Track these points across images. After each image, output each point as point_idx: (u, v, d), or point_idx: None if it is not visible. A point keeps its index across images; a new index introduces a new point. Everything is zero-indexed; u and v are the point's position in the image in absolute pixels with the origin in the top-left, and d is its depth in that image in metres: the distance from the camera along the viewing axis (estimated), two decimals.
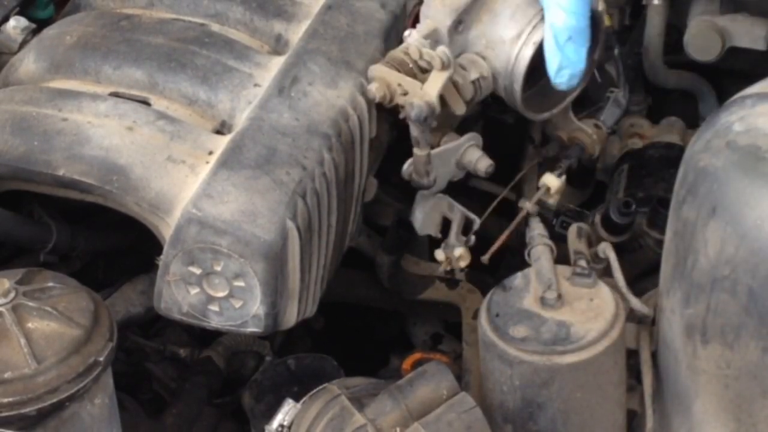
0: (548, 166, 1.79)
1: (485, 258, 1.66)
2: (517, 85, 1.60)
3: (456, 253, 1.67)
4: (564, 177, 1.71)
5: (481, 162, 1.63)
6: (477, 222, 1.66)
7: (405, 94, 1.54)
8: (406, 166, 1.60)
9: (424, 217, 1.67)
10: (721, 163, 1.28)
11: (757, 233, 1.23)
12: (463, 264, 1.68)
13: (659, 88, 2.03)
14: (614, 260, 1.50)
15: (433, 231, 1.69)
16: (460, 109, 1.59)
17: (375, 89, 1.54)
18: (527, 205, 1.69)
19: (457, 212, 1.67)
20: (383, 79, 1.54)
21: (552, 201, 1.72)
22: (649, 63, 1.96)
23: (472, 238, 1.67)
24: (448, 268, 1.70)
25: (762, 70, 1.48)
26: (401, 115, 1.57)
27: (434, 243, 2.07)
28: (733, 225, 1.25)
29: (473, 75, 1.59)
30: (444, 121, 1.61)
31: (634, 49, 1.98)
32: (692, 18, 1.88)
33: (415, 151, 1.57)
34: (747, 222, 1.24)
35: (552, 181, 1.70)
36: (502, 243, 1.67)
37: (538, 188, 1.72)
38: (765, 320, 1.26)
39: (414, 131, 1.54)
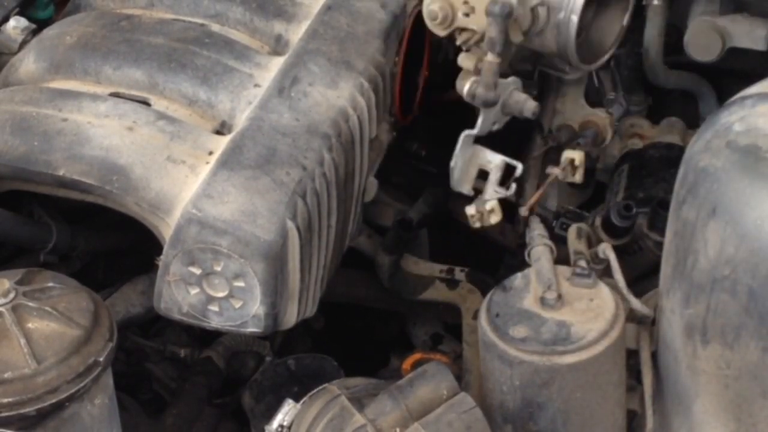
0: (555, 158, 1.77)
1: (524, 210, 1.61)
2: (575, 16, 1.57)
3: (488, 207, 1.61)
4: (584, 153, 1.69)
5: (528, 103, 1.59)
6: (519, 167, 1.61)
7: (468, 14, 1.51)
8: (469, 85, 1.55)
9: (461, 168, 1.61)
10: (721, 164, 1.28)
11: (757, 233, 1.23)
12: (494, 219, 1.62)
13: (659, 88, 2.03)
14: (614, 261, 1.49)
15: (467, 188, 1.63)
16: (517, 37, 1.55)
17: (438, 8, 1.50)
18: (555, 171, 1.65)
19: (497, 160, 1.61)
20: None
21: (578, 176, 1.69)
22: (649, 63, 1.96)
23: (513, 185, 1.61)
24: (478, 225, 1.63)
25: (762, 70, 1.48)
26: (460, 41, 1.54)
27: (434, 243, 2.07)
28: (733, 225, 1.25)
29: (533, 1, 1.55)
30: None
31: (634, 49, 1.98)
32: (692, 18, 1.87)
33: (489, 57, 1.51)
34: (747, 222, 1.24)
35: (574, 153, 1.68)
36: (538, 197, 1.64)
37: (562, 167, 1.69)
38: (765, 320, 1.26)
39: (492, 31, 1.48)
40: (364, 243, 1.91)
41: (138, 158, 1.46)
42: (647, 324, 1.48)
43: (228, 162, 1.46)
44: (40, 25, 1.71)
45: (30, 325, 1.29)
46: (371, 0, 1.70)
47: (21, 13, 1.72)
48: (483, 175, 1.63)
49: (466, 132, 1.58)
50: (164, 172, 1.45)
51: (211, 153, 1.48)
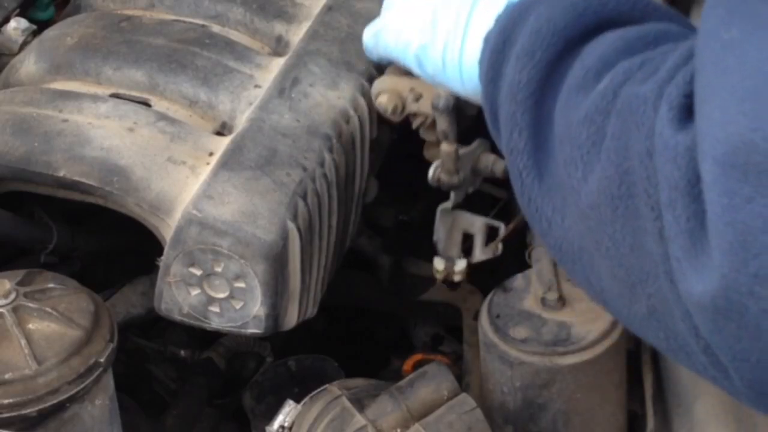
0: None
1: (495, 244, 1.62)
2: None
3: (457, 268, 1.62)
4: None
5: (497, 164, 1.59)
6: (502, 228, 1.61)
7: (417, 99, 1.51)
8: (432, 171, 1.55)
9: (446, 237, 1.62)
10: None
11: None
12: (458, 278, 1.63)
13: None
14: None
15: (456, 252, 1.63)
16: (471, 109, 1.57)
17: (386, 101, 1.50)
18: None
19: (479, 223, 1.62)
20: (393, 89, 1.50)
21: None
22: None
23: (500, 246, 1.61)
24: (442, 279, 1.64)
25: None
26: (415, 125, 1.54)
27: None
28: None
29: None
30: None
31: None
32: (692, 18, 1.87)
33: (444, 146, 1.51)
34: None
35: None
36: (509, 231, 1.64)
37: None
38: None
39: (442, 124, 1.49)
40: (365, 244, 1.90)
41: (138, 159, 1.46)
42: None
43: (228, 163, 1.46)
44: (41, 26, 1.71)
45: (30, 326, 1.29)
46: (372, 1, 1.70)
47: (21, 14, 1.72)
48: (468, 237, 1.63)
49: (442, 206, 1.59)
50: (165, 173, 1.45)
51: (211, 154, 1.48)
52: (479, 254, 1.61)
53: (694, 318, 0.82)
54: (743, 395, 0.84)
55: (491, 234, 1.62)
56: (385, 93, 1.52)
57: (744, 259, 0.76)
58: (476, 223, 1.61)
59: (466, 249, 1.63)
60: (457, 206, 1.61)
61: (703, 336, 0.82)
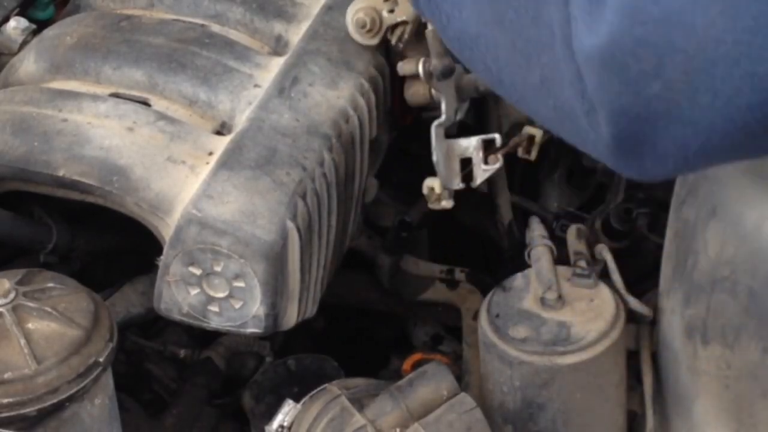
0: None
1: (478, 183, 1.60)
2: None
3: (438, 189, 1.60)
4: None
5: (480, 80, 1.59)
6: (497, 137, 1.60)
7: (392, 10, 1.53)
8: (421, 66, 1.55)
9: (445, 164, 1.59)
10: None
11: (758, 234, 1.23)
12: (447, 205, 1.60)
13: None
14: (611, 261, 1.49)
15: (457, 181, 1.60)
16: None
17: (363, 15, 1.53)
18: (515, 140, 1.65)
19: (473, 142, 1.60)
20: (368, 5, 1.53)
21: (533, 154, 1.69)
22: None
23: (500, 157, 1.59)
24: (432, 202, 1.61)
25: None
26: (394, 40, 1.56)
27: (434, 243, 2.07)
28: (733, 226, 1.25)
29: None
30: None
31: None
32: None
33: (429, 27, 1.51)
34: (747, 223, 1.24)
35: (535, 130, 1.67)
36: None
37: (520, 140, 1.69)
38: (765, 321, 1.26)
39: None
40: (364, 243, 1.90)
41: (138, 159, 1.46)
42: (647, 324, 1.48)
43: (228, 162, 1.46)
44: (41, 26, 1.71)
45: (30, 325, 1.29)
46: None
47: (21, 14, 1.72)
48: (466, 165, 1.61)
49: (435, 122, 1.57)
50: (164, 173, 1.45)
51: (211, 153, 1.48)
52: (481, 173, 1.60)
53: (584, 76, 0.91)
54: (613, 155, 0.94)
55: (489, 150, 1.60)
56: (360, 9, 1.54)
57: (631, 24, 0.85)
58: (471, 144, 1.60)
59: (466, 175, 1.62)
60: (449, 135, 1.60)
61: (588, 97, 0.92)
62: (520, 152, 1.70)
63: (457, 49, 1.12)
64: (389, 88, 1.69)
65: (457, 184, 1.61)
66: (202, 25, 1.66)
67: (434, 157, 1.58)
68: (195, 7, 1.69)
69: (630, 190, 1.88)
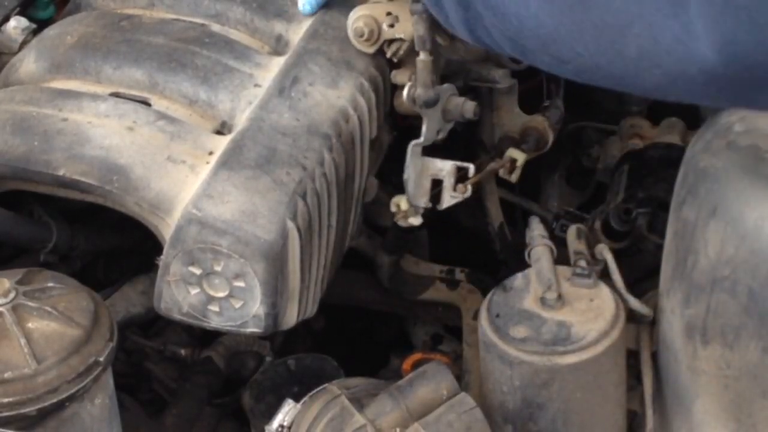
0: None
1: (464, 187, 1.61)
2: None
3: (404, 206, 1.62)
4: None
5: (466, 105, 1.59)
6: (471, 168, 1.60)
7: (392, 25, 1.54)
8: (407, 90, 1.56)
9: (415, 182, 1.60)
10: (722, 164, 1.29)
11: (758, 234, 1.23)
12: (415, 222, 1.63)
13: None
14: (611, 261, 1.49)
15: (424, 200, 1.62)
16: (444, 40, 1.57)
17: (363, 24, 1.54)
18: (495, 165, 1.69)
19: (447, 166, 1.61)
20: (369, 14, 1.53)
21: (514, 176, 1.71)
22: None
23: (469, 187, 1.61)
24: (398, 218, 1.64)
25: None
26: (389, 53, 1.56)
27: (434, 243, 2.07)
28: (734, 225, 1.25)
29: None
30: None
31: None
32: None
33: (421, 56, 1.52)
34: (747, 222, 1.24)
35: (517, 154, 1.71)
36: (475, 180, 1.63)
37: (502, 164, 1.71)
38: (765, 320, 1.26)
39: (420, 29, 1.50)
40: (364, 243, 1.90)
41: (138, 158, 1.46)
42: (647, 324, 1.48)
43: (228, 162, 1.46)
44: (41, 25, 1.71)
45: (30, 324, 1.29)
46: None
47: (21, 13, 1.72)
48: (437, 185, 1.63)
49: (413, 142, 1.58)
50: (164, 172, 1.45)
51: (211, 153, 1.48)
52: (447, 199, 1.61)
53: (699, 28, 0.90)
54: (732, 93, 0.95)
55: (461, 178, 1.62)
56: (361, 18, 1.55)
57: None
58: (445, 167, 1.61)
59: (435, 196, 1.63)
60: (426, 153, 1.61)
61: (704, 52, 0.92)
62: (502, 173, 1.72)
63: (539, 49, 1.09)
64: (389, 88, 1.69)
65: (425, 203, 1.63)
66: (203, 25, 1.66)
67: (405, 175, 1.60)
68: (195, 7, 1.70)
69: (630, 190, 1.88)
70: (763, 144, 1.28)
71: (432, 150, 1.61)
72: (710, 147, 1.31)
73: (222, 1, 1.69)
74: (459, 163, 1.61)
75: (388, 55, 1.57)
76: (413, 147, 1.58)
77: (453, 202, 1.61)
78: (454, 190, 1.60)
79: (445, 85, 1.59)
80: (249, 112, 1.53)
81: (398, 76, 1.62)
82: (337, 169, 1.53)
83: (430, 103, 1.56)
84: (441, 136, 1.62)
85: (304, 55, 1.60)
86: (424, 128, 1.57)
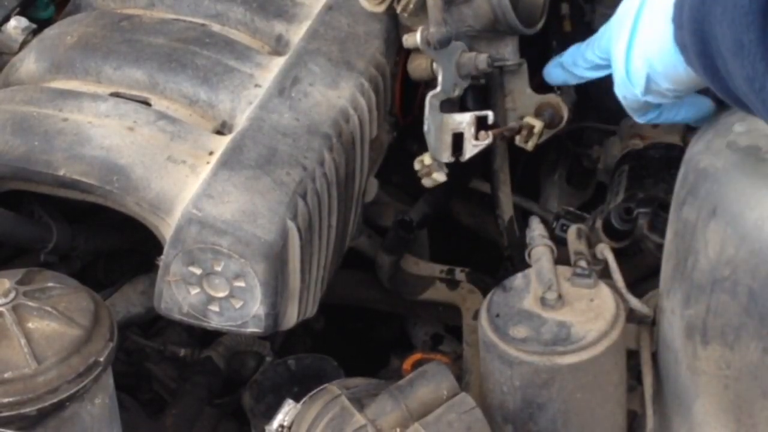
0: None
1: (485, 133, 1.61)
2: None
3: (440, 170, 1.62)
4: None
5: (479, 57, 1.59)
6: (490, 115, 1.60)
7: None
8: (419, 33, 1.55)
9: (436, 136, 1.59)
10: (722, 164, 1.28)
11: (758, 234, 1.23)
12: (440, 179, 1.62)
13: None
14: (612, 261, 1.49)
15: (447, 155, 1.61)
16: None
17: None
18: (513, 124, 1.67)
19: (467, 118, 1.60)
20: None
21: (530, 144, 1.70)
22: None
23: (490, 134, 1.60)
24: (424, 176, 1.63)
25: None
26: (399, 8, 1.56)
27: (434, 243, 2.07)
28: (734, 226, 1.25)
29: None
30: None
31: None
32: None
33: None
34: (747, 223, 1.24)
35: (535, 121, 1.69)
36: (498, 132, 1.63)
37: (520, 128, 1.70)
38: (765, 321, 1.26)
39: None
40: (365, 243, 1.91)
41: (138, 158, 1.46)
42: (647, 324, 1.48)
43: (228, 162, 1.46)
44: (41, 25, 1.71)
45: (30, 324, 1.29)
46: None
47: (22, 13, 1.72)
48: (458, 140, 1.63)
49: (431, 93, 1.58)
50: (165, 172, 1.45)
51: (211, 153, 1.48)
52: (470, 148, 1.61)
53: None
54: None
55: (481, 128, 1.61)
56: None
57: None
58: (465, 119, 1.61)
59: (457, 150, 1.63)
60: (444, 109, 1.61)
61: None
62: (518, 140, 1.71)
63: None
64: (390, 87, 1.69)
65: (447, 158, 1.62)
66: (203, 25, 1.66)
67: (425, 127, 1.59)
68: (195, 7, 1.70)
69: (630, 191, 1.88)
70: (763, 144, 1.28)
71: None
72: (710, 147, 1.31)
73: (222, 1, 1.69)
74: (477, 113, 1.61)
75: (399, 9, 1.56)
76: (431, 99, 1.57)
77: (476, 151, 1.61)
78: (476, 138, 1.60)
79: (458, 42, 1.59)
80: (249, 112, 1.53)
81: (409, 39, 1.60)
82: (338, 169, 1.54)
83: (444, 42, 1.55)
84: (457, 93, 1.62)
85: (305, 56, 1.60)
86: (439, 77, 1.57)
